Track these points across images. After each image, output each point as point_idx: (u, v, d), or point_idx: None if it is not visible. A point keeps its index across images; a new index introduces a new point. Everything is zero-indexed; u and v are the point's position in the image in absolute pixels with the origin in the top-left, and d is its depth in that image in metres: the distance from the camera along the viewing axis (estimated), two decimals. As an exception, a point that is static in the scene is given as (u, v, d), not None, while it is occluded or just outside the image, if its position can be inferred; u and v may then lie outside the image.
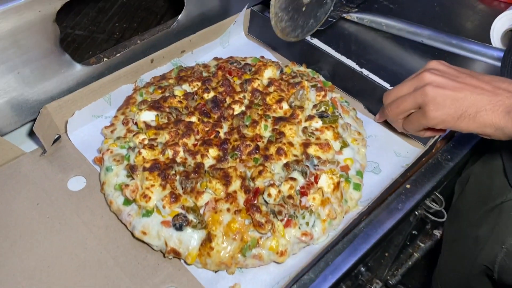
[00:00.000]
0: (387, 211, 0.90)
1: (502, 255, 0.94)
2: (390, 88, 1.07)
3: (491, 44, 1.30)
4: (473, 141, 1.04)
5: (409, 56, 1.29)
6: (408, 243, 1.40)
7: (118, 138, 0.95)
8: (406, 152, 1.00)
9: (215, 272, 0.81)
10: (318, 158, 0.89)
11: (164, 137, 0.92)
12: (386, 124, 1.06)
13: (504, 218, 0.97)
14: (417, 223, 1.29)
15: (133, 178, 0.87)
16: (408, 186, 0.94)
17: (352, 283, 1.17)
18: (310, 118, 0.95)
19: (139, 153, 0.88)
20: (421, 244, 1.47)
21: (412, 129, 0.88)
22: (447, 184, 1.08)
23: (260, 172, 0.84)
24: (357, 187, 0.88)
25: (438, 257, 1.32)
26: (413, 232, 1.37)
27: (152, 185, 0.83)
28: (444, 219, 1.14)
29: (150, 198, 0.82)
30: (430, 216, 1.13)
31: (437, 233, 1.45)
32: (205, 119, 0.96)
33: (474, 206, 1.09)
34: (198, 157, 0.89)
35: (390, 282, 1.43)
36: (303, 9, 1.01)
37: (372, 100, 1.08)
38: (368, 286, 1.37)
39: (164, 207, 0.81)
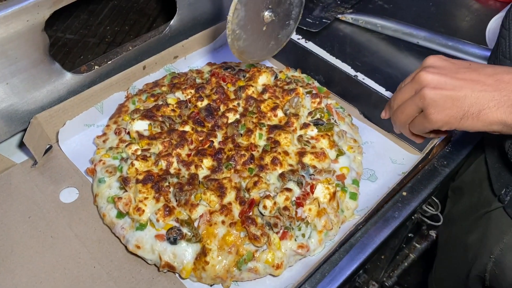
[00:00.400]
0: (384, 220, 0.89)
1: (491, 264, 0.93)
2: (385, 93, 1.06)
3: (486, 45, 1.29)
4: (469, 146, 1.03)
5: (404, 58, 1.28)
6: (404, 245, 1.40)
7: (111, 148, 0.93)
8: (402, 159, 0.99)
9: (211, 286, 0.80)
10: (314, 167, 0.88)
11: (157, 147, 0.91)
12: (382, 130, 1.05)
13: (492, 227, 0.96)
14: (413, 226, 1.28)
15: (126, 190, 0.85)
16: (404, 193, 0.93)
17: (349, 285, 1.17)
18: (305, 126, 0.94)
19: (132, 164, 0.87)
20: (417, 245, 1.46)
21: (418, 132, 0.83)
22: (443, 188, 1.07)
23: (255, 183, 0.83)
24: (354, 196, 0.87)
25: (433, 258, 1.32)
26: (409, 235, 1.37)
27: (146, 198, 0.82)
28: (440, 223, 1.13)
29: (143, 211, 0.81)
30: (426, 220, 1.13)
31: (433, 233, 1.45)
32: (199, 128, 0.95)
33: (465, 213, 1.08)
34: (192, 167, 0.87)
35: (386, 284, 1.43)
36: (264, 28, 0.93)
37: (368, 106, 1.07)
38: None
39: (158, 220, 0.79)
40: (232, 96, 1.02)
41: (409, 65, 1.26)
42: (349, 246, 0.85)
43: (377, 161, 0.98)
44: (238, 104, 1.00)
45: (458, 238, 1.08)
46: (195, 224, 0.81)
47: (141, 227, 0.81)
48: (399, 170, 0.96)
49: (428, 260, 1.70)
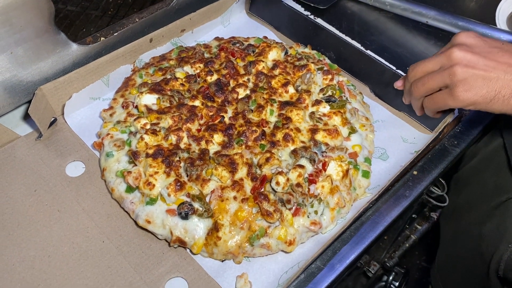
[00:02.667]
0: (394, 198, 0.88)
1: (509, 253, 0.93)
2: (398, 71, 1.04)
3: (496, 25, 1.27)
4: (479, 127, 1.02)
5: (413, 38, 1.26)
6: (407, 226, 1.40)
7: (118, 122, 0.91)
8: (413, 138, 0.98)
9: (222, 261, 0.79)
10: (326, 144, 0.86)
11: (166, 121, 0.89)
12: (393, 109, 1.04)
13: (510, 215, 0.95)
14: (417, 207, 1.28)
15: (135, 165, 0.83)
16: (415, 172, 0.93)
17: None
18: (317, 103, 0.92)
19: (142, 138, 0.85)
20: (418, 226, 1.47)
21: (434, 108, 0.82)
22: (452, 168, 1.07)
23: (267, 159, 0.82)
24: (366, 174, 0.87)
25: (434, 239, 1.32)
26: (413, 215, 1.37)
27: (156, 172, 0.80)
28: (446, 204, 1.13)
29: (154, 185, 0.79)
30: (432, 200, 1.12)
31: (434, 215, 1.46)
32: (209, 103, 0.92)
33: (477, 203, 1.07)
34: (203, 143, 0.86)
35: (388, 264, 1.44)
36: None
37: (380, 84, 1.05)
38: (366, 268, 1.38)
39: (169, 195, 0.78)
40: (242, 72, 1.00)
41: (418, 45, 1.24)
42: (360, 224, 0.84)
43: (388, 140, 0.97)
44: (248, 79, 0.98)
45: (468, 228, 1.07)
46: (207, 200, 0.79)
47: (152, 201, 0.80)
48: (410, 149, 0.95)
49: (429, 242, 1.72)
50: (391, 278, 1.47)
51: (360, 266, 1.34)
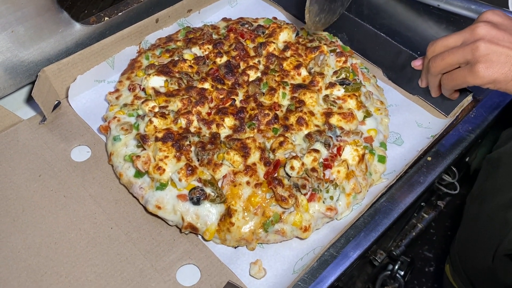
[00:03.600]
0: (409, 185, 0.86)
1: None
2: (412, 53, 1.02)
3: (509, 9, 1.24)
4: (495, 111, 1.00)
5: (424, 22, 1.22)
6: (415, 214, 1.38)
7: (125, 105, 0.88)
8: (428, 122, 0.95)
9: (235, 248, 0.77)
10: (341, 128, 0.84)
11: (176, 104, 0.85)
12: (407, 93, 1.01)
13: None
14: (427, 195, 1.26)
15: (144, 149, 0.80)
16: (429, 158, 0.90)
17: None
18: (331, 85, 0.89)
19: (150, 121, 0.81)
20: (425, 215, 1.45)
21: (451, 86, 0.80)
22: (464, 155, 1.04)
23: (281, 143, 0.79)
24: (382, 159, 0.84)
25: (440, 227, 1.29)
26: (422, 203, 1.35)
27: (166, 157, 0.78)
28: (456, 191, 1.11)
29: (164, 170, 0.76)
30: (442, 188, 1.10)
31: (441, 204, 1.44)
32: (219, 86, 0.89)
33: (505, 188, 1.05)
34: (213, 126, 0.83)
35: (394, 253, 1.42)
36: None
37: (394, 66, 1.02)
38: (372, 257, 1.36)
39: (180, 180, 0.75)
40: (252, 53, 0.97)
41: (429, 29, 1.20)
42: (374, 211, 0.82)
43: (402, 125, 0.94)
44: (259, 61, 0.94)
45: (493, 212, 1.05)
46: (219, 185, 0.77)
47: (162, 186, 0.77)
48: (425, 133, 0.92)
49: (436, 231, 1.71)
50: (396, 267, 1.46)
51: (366, 255, 1.32)
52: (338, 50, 0.96)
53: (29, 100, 0.93)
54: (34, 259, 0.73)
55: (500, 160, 1.05)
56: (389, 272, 1.45)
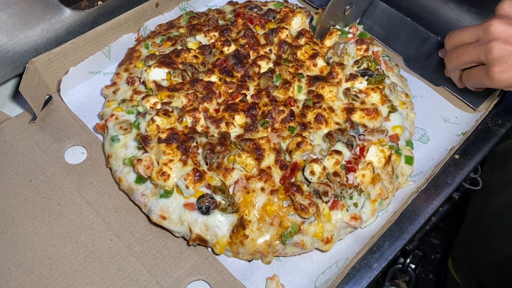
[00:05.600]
0: (435, 186, 0.78)
1: None
2: (441, 39, 0.93)
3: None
4: (526, 103, 0.92)
5: (444, 4, 1.13)
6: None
7: (124, 101, 0.79)
8: (455, 117, 0.87)
9: (249, 261, 0.70)
10: (364, 126, 0.75)
11: (180, 101, 0.77)
12: (431, 84, 0.93)
13: None
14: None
15: (146, 151, 0.72)
16: (456, 156, 0.82)
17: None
18: (352, 77, 0.80)
19: (152, 120, 0.73)
20: (439, 208, 1.40)
21: (471, 85, 0.76)
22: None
23: (298, 144, 0.71)
24: (410, 160, 0.76)
25: (454, 221, 1.24)
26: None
27: (171, 160, 0.69)
28: (479, 187, 1.04)
29: (169, 176, 0.68)
30: (464, 184, 1.03)
31: (456, 195, 1.38)
32: (228, 79, 0.80)
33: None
34: (223, 125, 0.74)
35: (407, 248, 1.37)
36: None
37: (419, 54, 0.93)
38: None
39: (187, 187, 0.67)
40: (263, 41, 0.87)
41: (449, 11, 1.11)
42: (398, 217, 0.74)
43: (427, 119, 0.86)
44: (270, 50, 0.85)
45: (500, 209, 0.99)
46: (230, 191, 0.69)
47: (166, 194, 0.69)
48: (454, 130, 0.84)
49: (450, 224, 1.64)
50: (408, 260, 1.41)
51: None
52: (350, 34, 0.87)
53: (16, 95, 0.84)
54: (26, 276, 0.65)
55: (509, 153, 0.98)
56: (400, 266, 1.40)
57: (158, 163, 0.70)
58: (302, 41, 0.87)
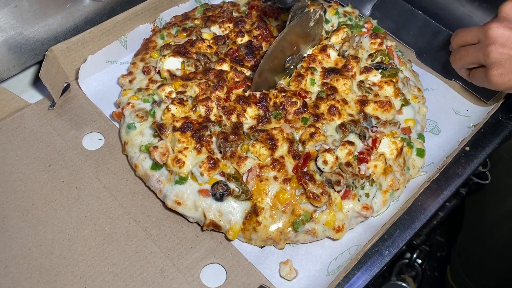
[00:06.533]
0: (446, 177, 0.80)
1: None
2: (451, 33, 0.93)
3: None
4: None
5: (456, 0, 1.13)
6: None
7: (140, 89, 0.81)
8: (466, 110, 0.88)
9: (261, 247, 0.71)
10: (377, 118, 0.77)
11: (193, 90, 0.78)
12: (442, 77, 0.93)
13: None
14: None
15: (162, 138, 0.74)
16: (467, 148, 0.84)
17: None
18: (366, 70, 0.81)
19: (168, 109, 0.74)
20: (447, 203, 1.40)
21: (476, 84, 0.78)
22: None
23: (311, 135, 0.72)
24: (421, 153, 0.77)
25: (460, 219, 1.25)
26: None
27: (186, 148, 0.71)
28: (487, 181, 1.05)
29: (184, 163, 0.70)
30: (473, 178, 1.04)
31: (463, 191, 1.39)
32: (238, 68, 0.81)
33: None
34: (234, 116, 0.75)
35: (414, 242, 1.38)
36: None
37: (431, 48, 0.94)
38: (392, 245, 1.32)
39: (202, 174, 0.69)
40: (276, 33, 0.89)
41: (460, 7, 1.11)
42: (410, 206, 0.76)
43: (439, 112, 0.87)
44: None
45: (499, 219, 1.00)
46: (243, 179, 0.70)
47: (181, 180, 0.71)
48: (464, 122, 0.86)
49: (455, 219, 1.65)
50: (415, 255, 1.42)
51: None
52: (364, 29, 0.88)
53: (35, 82, 0.86)
54: (46, 257, 0.67)
55: (503, 157, 0.99)
56: (406, 260, 1.41)
57: (173, 150, 0.72)
58: None
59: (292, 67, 0.82)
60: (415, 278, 1.42)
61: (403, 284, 1.38)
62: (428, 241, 1.60)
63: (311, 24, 0.80)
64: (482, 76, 0.72)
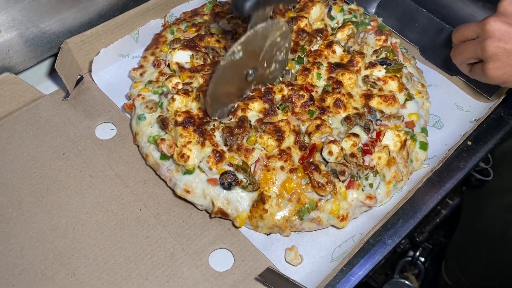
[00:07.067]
0: (448, 170, 0.82)
1: None
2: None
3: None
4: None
5: (460, 0, 1.15)
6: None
7: (150, 82, 0.83)
8: (469, 106, 0.90)
9: (267, 235, 0.74)
10: (381, 112, 0.79)
11: (197, 81, 0.81)
12: (446, 74, 0.96)
13: None
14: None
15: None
16: (469, 143, 0.86)
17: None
18: (371, 65, 0.83)
19: (172, 99, 0.77)
20: (449, 201, 1.42)
21: (478, 79, 0.79)
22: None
23: (317, 127, 0.74)
24: (424, 146, 0.79)
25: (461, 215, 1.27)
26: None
27: (189, 142, 0.73)
28: (490, 178, 1.07)
29: (188, 157, 0.72)
30: (476, 174, 1.06)
31: (465, 189, 1.41)
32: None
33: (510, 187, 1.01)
34: (239, 112, 0.77)
35: (417, 239, 1.39)
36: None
37: (434, 45, 0.96)
38: (394, 243, 1.33)
39: (210, 168, 0.71)
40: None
41: (464, 7, 1.13)
42: (412, 197, 0.78)
43: (442, 107, 0.89)
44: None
45: (495, 213, 1.01)
46: (251, 169, 0.73)
47: (188, 172, 0.73)
48: (466, 117, 0.88)
49: (458, 217, 1.66)
50: (418, 253, 1.43)
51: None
52: (370, 26, 0.90)
53: (50, 74, 0.89)
54: (60, 240, 0.70)
55: (503, 157, 1.01)
56: (409, 258, 1.42)
57: (177, 145, 0.74)
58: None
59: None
60: (418, 276, 1.43)
61: (406, 282, 1.39)
62: (431, 239, 1.62)
63: (275, 36, 0.73)
64: (480, 72, 0.74)
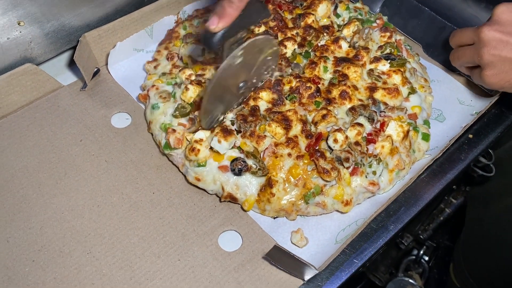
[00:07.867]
0: (450, 161, 0.85)
1: None
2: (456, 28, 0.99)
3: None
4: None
5: (462, 1, 1.18)
6: (446, 197, 1.37)
7: (164, 73, 0.87)
8: (470, 100, 0.93)
9: (273, 218, 0.77)
10: (385, 104, 0.82)
11: (210, 73, 0.85)
12: (448, 70, 0.99)
13: None
14: (461, 177, 1.24)
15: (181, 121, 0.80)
16: (470, 136, 0.89)
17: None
18: (376, 60, 0.87)
19: (186, 88, 0.80)
20: (453, 200, 1.43)
21: (476, 82, 0.82)
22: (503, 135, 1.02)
23: (323, 116, 0.78)
24: (426, 137, 0.82)
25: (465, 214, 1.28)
26: (453, 186, 1.33)
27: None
28: (492, 174, 1.09)
29: (199, 150, 0.75)
30: (478, 170, 1.08)
31: (468, 189, 1.42)
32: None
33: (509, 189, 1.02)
34: (251, 101, 0.81)
35: (421, 237, 1.41)
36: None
37: (436, 43, 0.99)
38: (399, 240, 1.35)
39: (219, 141, 0.73)
40: (291, 25, 0.95)
41: (467, 8, 1.16)
42: (415, 186, 0.81)
43: (444, 101, 0.92)
44: (297, 33, 0.93)
45: (499, 214, 1.03)
46: (260, 156, 0.76)
47: (200, 166, 0.76)
48: (467, 110, 0.91)
49: (461, 216, 1.68)
50: (422, 252, 1.44)
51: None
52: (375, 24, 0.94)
53: (69, 65, 0.94)
54: (78, 220, 0.74)
55: (505, 158, 1.03)
56: (413, 257, 1.44)
57: (189, 141, 0.77)
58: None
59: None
60: (422, 275, 1.44)
61: (410, 280, 1.40)
62: (435, 238, 1.63)
63: (268, 54, 0.75)
64: (478, 77, 0.77)
